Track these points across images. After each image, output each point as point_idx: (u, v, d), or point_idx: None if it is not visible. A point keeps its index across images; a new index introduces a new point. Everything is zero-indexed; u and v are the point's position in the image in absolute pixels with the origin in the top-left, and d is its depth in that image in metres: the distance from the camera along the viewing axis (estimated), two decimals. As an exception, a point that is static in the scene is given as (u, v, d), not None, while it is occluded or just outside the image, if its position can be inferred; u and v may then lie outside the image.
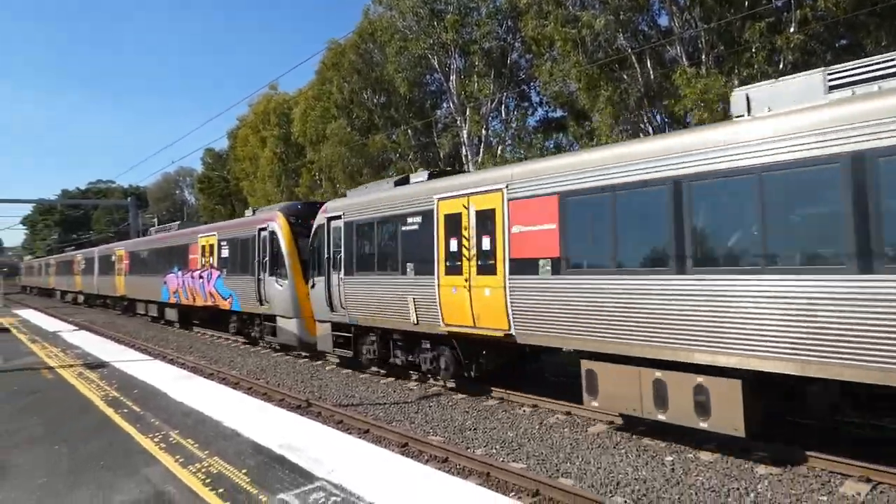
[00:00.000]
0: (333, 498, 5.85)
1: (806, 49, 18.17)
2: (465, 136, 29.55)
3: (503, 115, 30.68)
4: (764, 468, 7.21)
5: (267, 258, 17.01)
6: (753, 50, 18.10)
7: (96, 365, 14.73)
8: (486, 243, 10.00)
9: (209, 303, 20.99)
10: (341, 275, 13.59)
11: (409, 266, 11.56)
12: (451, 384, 12.21)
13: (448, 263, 10.66)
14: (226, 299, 19.61)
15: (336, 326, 14.24)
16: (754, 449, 7.64)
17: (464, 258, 10.33)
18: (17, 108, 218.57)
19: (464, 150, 29.82)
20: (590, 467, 7.52)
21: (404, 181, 13.03)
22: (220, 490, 6.14)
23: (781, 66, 18.49)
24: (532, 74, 28.04)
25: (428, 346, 11.87)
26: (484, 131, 29.43)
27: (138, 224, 46.83)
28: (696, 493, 6.61)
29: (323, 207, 14.83)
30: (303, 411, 10.60)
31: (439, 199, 10.96)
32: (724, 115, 18.52)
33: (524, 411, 10.29)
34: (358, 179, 31.95)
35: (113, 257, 33.42)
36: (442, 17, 28.37)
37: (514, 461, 7.87)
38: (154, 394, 11.21)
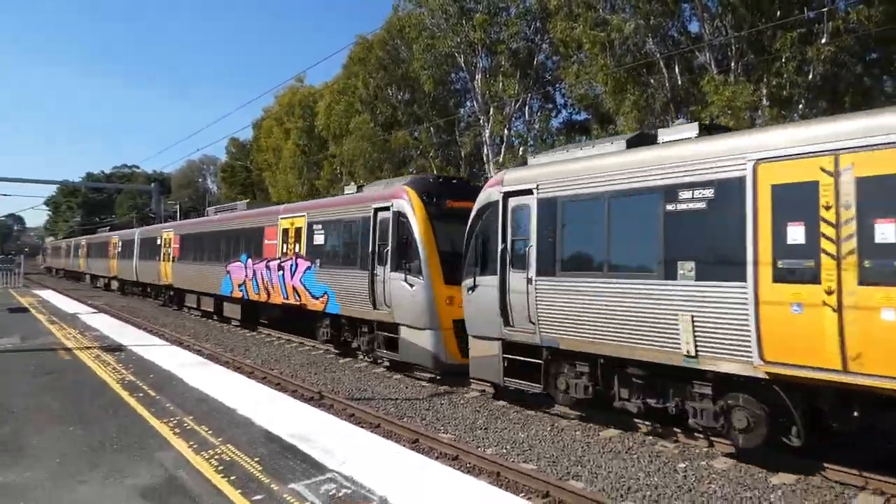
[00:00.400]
0: (344, 490, 5.86)
1: (836, 61, 17.89)
2: (487, 135, 29.55)
3: (526, 117, 30.68)
4: (777, 479, 7.12)
5: (389, 248, 13.04)
6: (783, 60, 17.85)
7: (113, 348, 14.93)
8: (889, 232, 6.06)
9: (291, 301, 16.88)
10: (530, 275, 9.50)
11: (684, 266, 7.68)
12: (724, 447, 8.16)
13: (782, 264, 6.74)
14: (317, 298, 15.54)
15: (509, 347, 10.09)
16: (770, 459, 7.53)
17: (823, 256, 6.42)
18: (41, 87, 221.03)
19: (485, 150, 29.81)
20: (601, 471, 7.46)
21: (644, 139, 9.33)
22: (233, 478, 6.18)
23: (811, 76, 18.22)
24: (558, 76, 27.95)
25: (708, 391, 7.71)
26: (506, 132, 29.41)
27: (161, 210, 47.41)
28: (708, 502, 6.55)
29: (495, 179, 10.77)
30: (315, 403, 10.65)
31: (760, 162, 7.01)
32: (752, 123, 18.33)
33: (535, 413, 10.24)
34: (378, 174, 32.10)
35: (159, 240, 29.03)
36: (471, 15, 28.37)
37: (524, 462, 7.84)
38: (169, 379, 11.34)
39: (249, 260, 19.42)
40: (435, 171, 31.53)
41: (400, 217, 12.92)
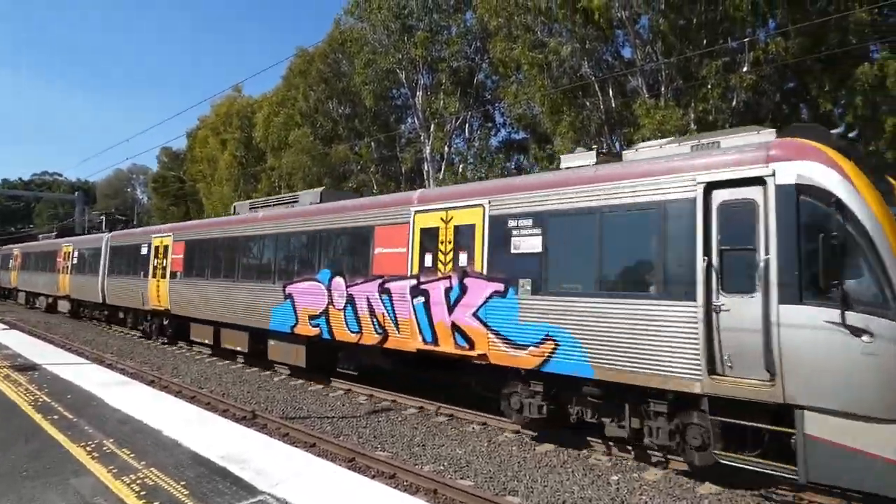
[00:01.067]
0: (275, 513, 5.66)
1: (757, 89, 19.06)
2: (427, 152, 29.74)
3: (466, 134, 31.09)
4: (704, 488, 7.39)
5: (769, 258, 6.89)
6: (709, 86, 18.86)
7: (26, 367, 13.95)
8: None
9: (446, 347, 10.26)
10: None
11: None
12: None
13: None
14: (524, 347, 9.07)
15: None
16: (697, 471, 7.81)
17: None
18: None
19: (426, 166, 29.96)
20: (537, 486, 7.53)
21: None
22: (156, 503, 5.86)
23: (735, 103, 19.32)
24: (497, 95, 28.51)
25: None
26: (447, 148, 29.71)
27: (84, 220, 44.88)
28: (641, 515, 6.70)
29: None
30: (248, 423, 10.28)
31: None
32: (680, 147, 19.24)
33: (473, 428, 10.25)
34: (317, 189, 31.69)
35: (144, 249, 21.62)
36: (413, 32, 28.64)
37: (462, 478, 7.81)
38: (89, 399, 10.67)
39: (338, 279, 12.77)
40: (375, 188, 31.42)
41: (806, 197, 6.85)
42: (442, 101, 29.06)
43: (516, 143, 31.51)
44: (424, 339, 10.70)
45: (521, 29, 22.45)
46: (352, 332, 12.18)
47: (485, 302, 9.68)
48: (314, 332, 13.16)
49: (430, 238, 10.89)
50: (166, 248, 20.12)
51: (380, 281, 11.68)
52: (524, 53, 21.74)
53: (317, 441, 9.27)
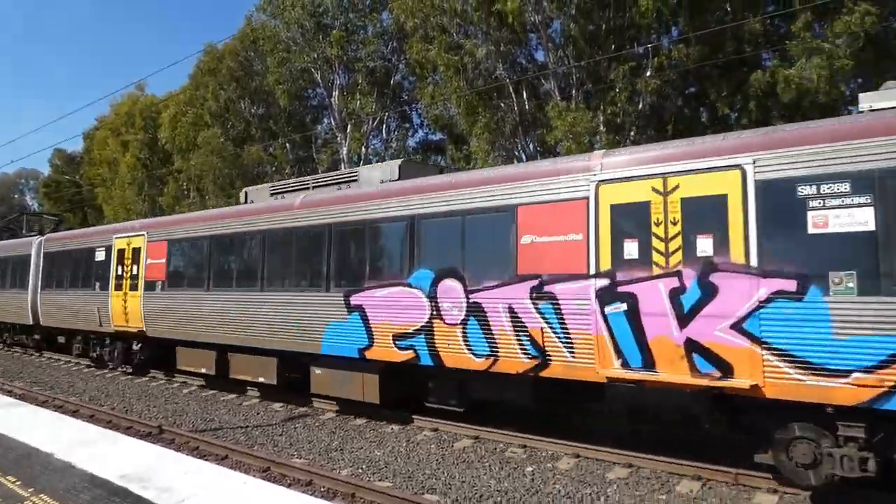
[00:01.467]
0: (179, 530, 5.35)
1: (661, 93, 20.10)
2: (344, 153, 29.35)
3: (384, 135, 30.94)
4: (613, 474, 7.69)
5: None
6: (617, 90, 19.68)
7: None
8: None
9: (662, 375, 7.07)
10: None
11: None
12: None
13: None
14: (846, 371, 5.95)
15: None
16: (607, 456, 8.12)
17: None
18: None
19: (343, 167, 29.54)
20: (455, 482, 7.57)
21: None
22: (43, 530, 5.39)
23: (641, 106, 20.29)
24: (414, 96, 28.55)
25: None
26: (364, 149, 29.45)
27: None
28: (553, 500, 6.92)
29: None
30: (154, 438, 9.72)
31: None
32: (591, 147, 20.00)
33: (392, 429, 10.17)
34: (229, 191, 30.50)
35: (101, 255, 16.90)
36: (328, 31, 28.14)
37: (380, 480, 7.73)
38: (-31, 423, 9.70)
39: (450, 282, 9.22)
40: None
41: None
42: (359, 102, 28.76)
43: (434, 143, 31.71)
44: (625, 364, 7.35)
45: (438, 30, 22.58)
46: (478, 355, 8.74)
47: (756, 308, 6.46)
48: (404, 356, 9.66)
49: (631, 218, 7.52)
50: (136, 251, 15.66)
51: (533, 283, 8.31)
52: (440, 55, 21.86)
53: (229, 452, 8.88)
